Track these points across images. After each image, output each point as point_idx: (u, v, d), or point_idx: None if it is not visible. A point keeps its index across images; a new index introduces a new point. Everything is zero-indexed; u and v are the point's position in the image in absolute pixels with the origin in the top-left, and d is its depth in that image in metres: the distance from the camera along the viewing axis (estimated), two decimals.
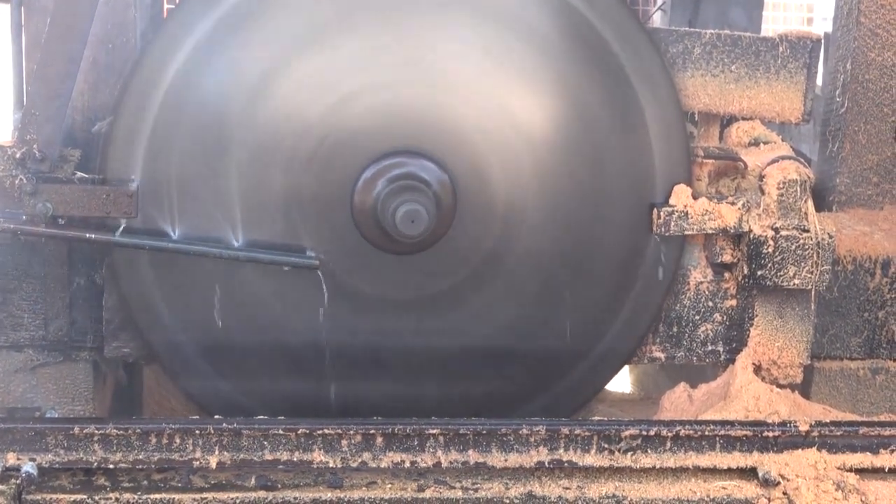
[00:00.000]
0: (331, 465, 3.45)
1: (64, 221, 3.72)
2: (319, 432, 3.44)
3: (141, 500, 3.35)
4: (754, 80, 4.16)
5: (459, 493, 3.45)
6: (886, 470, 3.59)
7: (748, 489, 3.52)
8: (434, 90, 3.80)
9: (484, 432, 3.49)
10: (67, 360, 3.98)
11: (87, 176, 3.77)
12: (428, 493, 3.44)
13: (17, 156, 3.69)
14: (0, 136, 4.14)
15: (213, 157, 3.75)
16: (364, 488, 3.44)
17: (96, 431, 3.39)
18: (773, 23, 10.66)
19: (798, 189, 3.95)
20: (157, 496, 3.37)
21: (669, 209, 3.93)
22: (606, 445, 3.51)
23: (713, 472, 3.56)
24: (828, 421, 3.67)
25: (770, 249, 3.94)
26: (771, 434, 3.57)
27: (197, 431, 3.42)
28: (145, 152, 3.75)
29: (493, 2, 3.81)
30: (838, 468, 3.56)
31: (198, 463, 3.42)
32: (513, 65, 3.82)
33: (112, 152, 3.76)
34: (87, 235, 3.74)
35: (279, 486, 3.43)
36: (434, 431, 3.48)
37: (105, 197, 3.73)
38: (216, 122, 3.75)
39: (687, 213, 3.93)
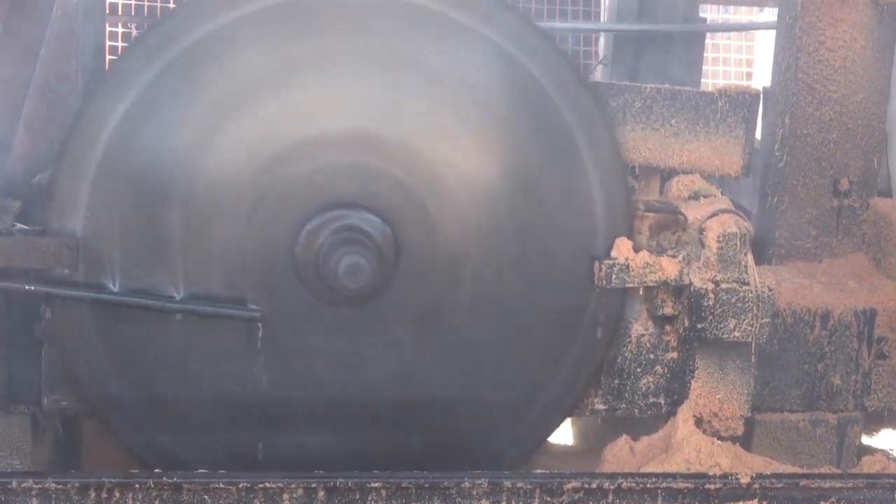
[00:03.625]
0: None
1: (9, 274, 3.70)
2: (261, 486, 3.42)
3: None
4: (694, 134, 4.19)
5: None
6: None
7: None
8: (377, 143, 3.80)
9: (426, 485, 3.48)
10: (6, 414, 3.94)
11: (27, 227, 3.74)
12: None
13: None
14: None
15: (155, 209, 3.74)
16: None
17: (34, 486, 3.35)
18: (714, 77, 10.77)
19: (738, 242, 3.98)
20: None
21: (611, 262, 3.94)
22: (549, 499, 3.51)
23: None
24: (769, 473, 3.69)
25: (710, 302, 3.96)
26: (712, 486, 3.58)
27: (136, 485, 3.39)
28: (87, 204, 3.72)
29: (433, 57, 3.82)
30: None
31: None
32: (455, 118, 3.83)
33: (53, 204, 3.73)
34: (26, 287, 3.71)
35: None
36: (376, 485, 3.46)
37: (46, 249, 3.70)
38: (158, 176, 3.73)
39: (628, 266, 3.94)
